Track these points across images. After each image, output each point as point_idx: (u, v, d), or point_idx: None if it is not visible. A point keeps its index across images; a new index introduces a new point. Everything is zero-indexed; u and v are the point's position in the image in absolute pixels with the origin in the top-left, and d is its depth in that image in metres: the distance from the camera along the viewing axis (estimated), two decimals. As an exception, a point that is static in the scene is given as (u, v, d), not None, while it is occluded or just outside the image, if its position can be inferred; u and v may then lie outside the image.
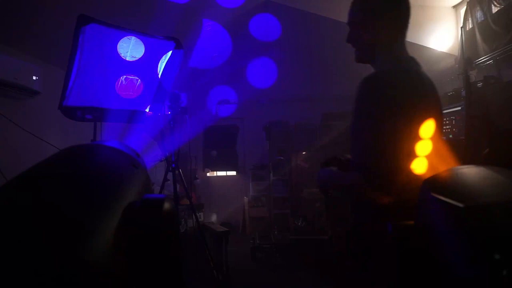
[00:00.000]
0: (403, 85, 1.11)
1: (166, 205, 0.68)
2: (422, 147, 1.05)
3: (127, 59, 2.68)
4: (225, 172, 6.91)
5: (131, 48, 2.68)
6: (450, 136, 4.00)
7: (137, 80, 2.78)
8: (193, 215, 3.62)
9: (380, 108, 1.06)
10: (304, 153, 5.93)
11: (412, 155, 1.05)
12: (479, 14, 4.07)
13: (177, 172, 3.22)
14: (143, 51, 2.74)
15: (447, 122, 4.07)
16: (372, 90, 1.11)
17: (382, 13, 1.18)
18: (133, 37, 2.68)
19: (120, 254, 0.56)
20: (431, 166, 1.04)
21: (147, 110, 2.99)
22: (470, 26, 4.26)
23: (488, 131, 3.08)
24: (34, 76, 3.22)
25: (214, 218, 6.26)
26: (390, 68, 1.19)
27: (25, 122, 2.76)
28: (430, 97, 1.17)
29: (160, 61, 2.92)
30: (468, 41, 4.25)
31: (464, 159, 2.93)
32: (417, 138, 1.05)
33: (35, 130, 2.67)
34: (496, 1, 3.74)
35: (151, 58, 2.83)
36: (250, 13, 5.03)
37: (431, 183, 0.85)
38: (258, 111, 6.58)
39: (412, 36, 4.83)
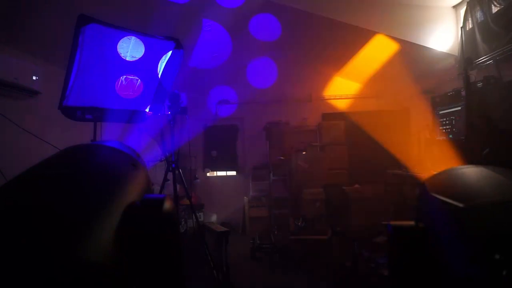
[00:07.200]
0: None
1: (166, 205, 0.67)
2: None
3: (127, 59, 2.68)
4: (225, 172, 6.91)
5: (131, 48, 2.68)
6: (450, 136, 4.00)
7: (137, 80, 2.78)
8: (193, 215, 3.61)
9: None
10: (304, 153, 5.93)
11: None
12: (479, 14, 4.07)
13: (177, 172, 3.22)
14: (143, 51, 2.74)
15: (447, 122, 4.07)
16: None
17: None
18: (133, 37, 2.68)
19: (120, 254, 0.56)
20: None
21: (147, 110, 2.99)
22: (470, 26, 4.25)
23: (488, 131, 3.07)
24: (34, 76, 3.22)
25: (214, 218, 6.26)
26: None
27: (25, 122, 2.75)
28: None
29: (160, 61, 2.92)
30: (468, 41, 4.25)
31: (464, 159, 2.93)
32: None
33: (35, 130, 2.67)
34: (496, 1, 3.73)
35: (151, 58, 2.83)
36: (250, 13, 5.02)
37: (431, 183, 0.84)
38: (258, 111, 6.58)
39: (412, 36, 4.80)
